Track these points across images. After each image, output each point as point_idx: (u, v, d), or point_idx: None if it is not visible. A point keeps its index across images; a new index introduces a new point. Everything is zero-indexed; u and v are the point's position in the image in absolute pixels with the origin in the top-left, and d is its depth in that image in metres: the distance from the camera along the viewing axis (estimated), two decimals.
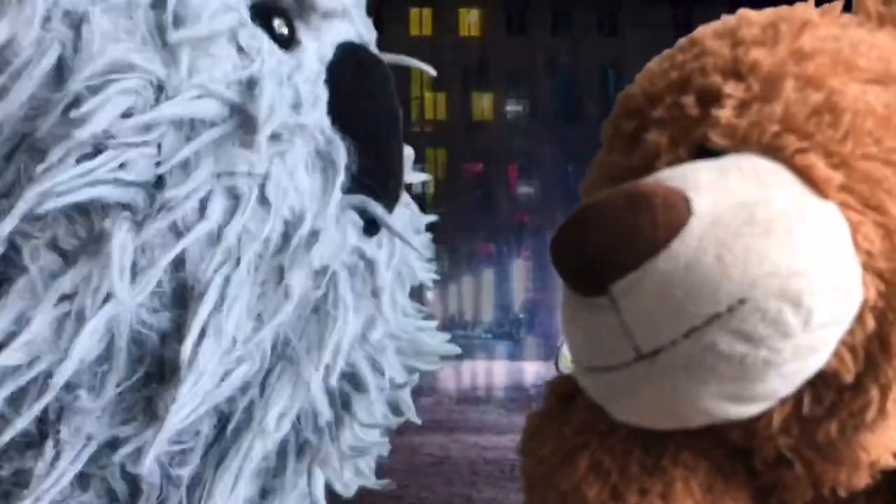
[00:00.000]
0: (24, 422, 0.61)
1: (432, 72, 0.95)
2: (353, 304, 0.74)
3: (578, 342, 0.70)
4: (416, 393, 0.90)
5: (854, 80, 0.70)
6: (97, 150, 0.62)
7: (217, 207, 0.66)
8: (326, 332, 0.71)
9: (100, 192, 0.62)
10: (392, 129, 0.82)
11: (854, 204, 0.66)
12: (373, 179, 0.77)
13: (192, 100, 0.66)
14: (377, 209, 0.77)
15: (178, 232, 0.64)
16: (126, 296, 0.62)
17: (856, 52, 0.71)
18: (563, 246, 0.66)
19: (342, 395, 0.76)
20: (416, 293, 0.89)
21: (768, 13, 0.76)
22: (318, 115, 0.73)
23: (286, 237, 0.69)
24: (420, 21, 33.53)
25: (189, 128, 0.66)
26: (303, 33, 0.76)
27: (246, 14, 0.73)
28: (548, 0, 33.74)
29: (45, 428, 0.63)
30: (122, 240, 0.62)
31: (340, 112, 0.75)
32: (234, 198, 0.67)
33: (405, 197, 0.85)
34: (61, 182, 0.61)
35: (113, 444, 0.65)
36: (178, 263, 0.66)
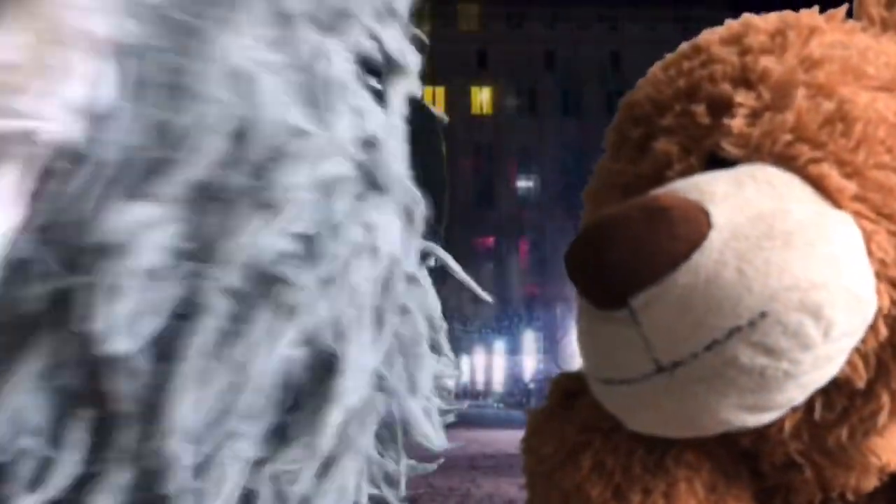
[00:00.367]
0: (206, 448, 0.65)
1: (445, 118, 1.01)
2: None
3: (594, 354, 0.70)
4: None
5: (864, 87, 0.70)
6: (268, 205, 0.66)
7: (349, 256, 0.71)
8: (416, 367, 0.77)
9: (282, 244, 0.66)
10: (445, 178, 0.89)
11: (867, 213, 0.66)
12: (434, 224, 0.81)
13: (335, 158, 0.70)
14: (447, 257, 0.83)
15: (322, 281, 0.69)
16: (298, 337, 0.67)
17: (864, 60, 0.72)
18: (580, 260, 0.66)
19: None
20: None
21: (773, 19, 0.76)
22: (403, 168, 0.78)
23: (386, 281, 0.74)
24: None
25: (332, 185, 0.70)
26: (390, 92, 0.80)
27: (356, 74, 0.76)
28: None
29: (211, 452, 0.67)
30: (299, 285, 0.66)
31: (413, 164, 0.80)
32: (357, 246, 0.71)
33: None
34: (254, 234, 0.64)
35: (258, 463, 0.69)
36: None
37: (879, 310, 0.65)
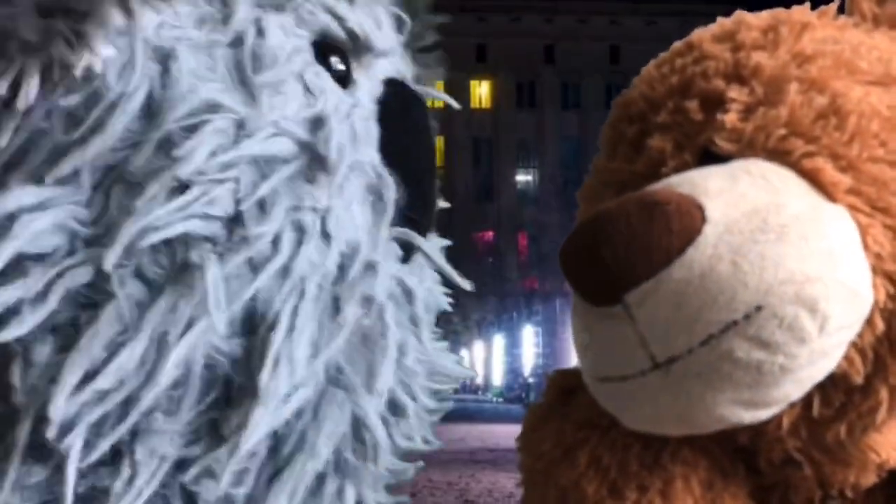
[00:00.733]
0: (108, 443, 0.63)
1: (456, 105, 0.98)
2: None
3: (590, 352, 0.70)
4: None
5: (856, 82, 0.70)
6: (184, 186, 0.65)
7: (287, 241, 0.68)
8: (377, 359, 0.74)
9: (192, 226, 0.65)
10: (431, 163, 0.85)
11: (862, 207, 0.66)
12: (413, 211, 0.79)
13: (269, 138, 0.69)
14: (423, 244, 0.80)
15: (253, 265, 0.67)
16: (222, 326, 0.65)
17: (856, 54, 0.71)
18: (574, 256, 0.66)
19: (383, 419, 0.78)
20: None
21: (765, 16, 0.76)
22: (371, 151, 0.76)
23: (342, 269, 0.71)
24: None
25: (264, 164, 0.68)
26: (356, 71, 0.78)
27: (310, 53, 0.75)
28: None
29: (119, 447, 0.64)
30: (214, 273, 0.64)
31: (388, 147, 0.77)
32: (301, 231, 0.69)
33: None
34: (159, 216, 0.63)
35: (180, 465, 0.66)
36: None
37: (876, 304, 0.65)
